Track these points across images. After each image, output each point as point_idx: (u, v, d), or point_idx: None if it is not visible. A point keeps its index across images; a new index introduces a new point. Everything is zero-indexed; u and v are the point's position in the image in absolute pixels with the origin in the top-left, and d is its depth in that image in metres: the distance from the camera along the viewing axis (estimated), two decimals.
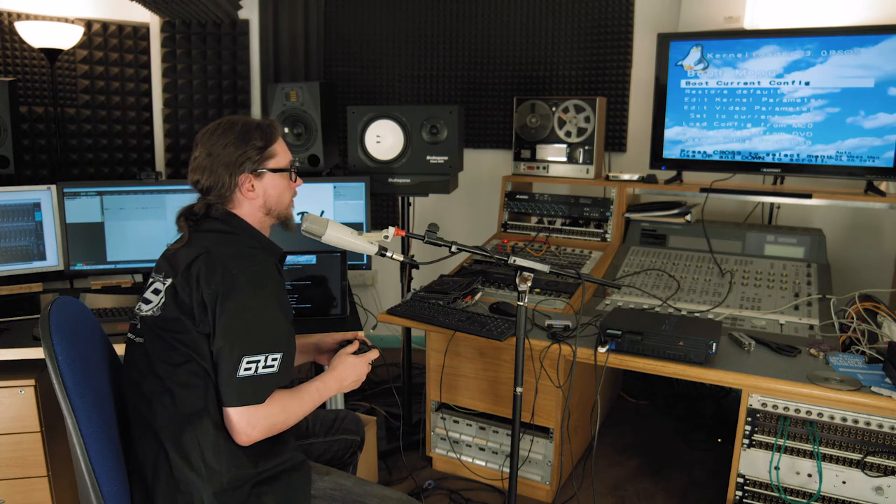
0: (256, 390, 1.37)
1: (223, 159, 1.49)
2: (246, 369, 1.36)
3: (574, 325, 2.19)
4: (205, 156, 1.51)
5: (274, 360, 1.39)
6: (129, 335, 1.50)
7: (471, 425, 2.52)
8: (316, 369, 2.38)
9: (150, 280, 1.51)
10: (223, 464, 1.38)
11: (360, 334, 1.80)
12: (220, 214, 1.53)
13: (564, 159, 3.05)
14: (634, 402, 3.23)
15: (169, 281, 1.44)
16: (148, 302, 1.46)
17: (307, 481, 1.51)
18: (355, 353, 1.67)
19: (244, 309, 1.38)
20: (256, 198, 1.55)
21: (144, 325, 1.45)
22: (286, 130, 2.77)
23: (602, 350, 2.04)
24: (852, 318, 2.13)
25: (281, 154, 1.58)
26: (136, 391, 1.42)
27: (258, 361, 1.37)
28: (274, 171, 1.56)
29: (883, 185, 2.66)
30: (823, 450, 1.88)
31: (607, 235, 2.94)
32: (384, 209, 3.85)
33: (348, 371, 1.63)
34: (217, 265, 1.40)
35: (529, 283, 1.76)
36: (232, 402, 1.36)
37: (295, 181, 1.63)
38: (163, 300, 1.43)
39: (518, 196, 3.13)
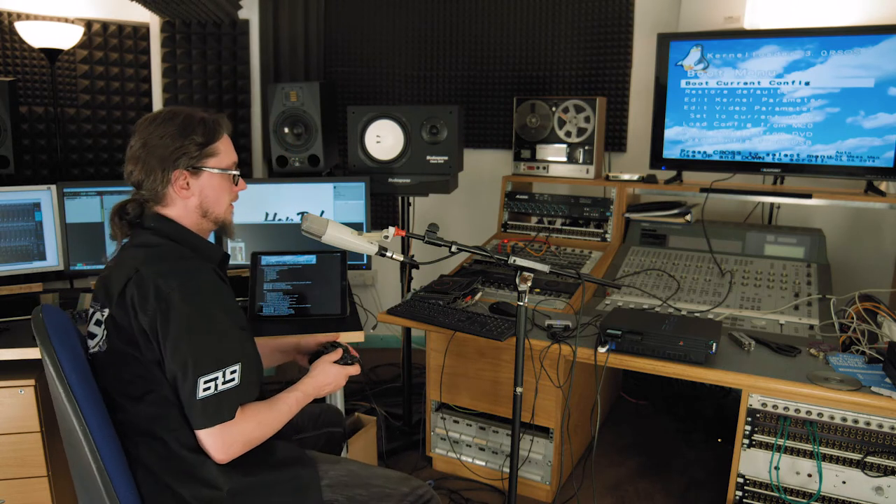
0: (221, 408, 1.31)
1: (158, 151, 1.40)
2: (205, 390, 1.29)
3: (574, 325, 2.19)
4: (140, 146, 1.42)
5: (233, 372, 1.33)
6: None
7: (471, 425, 2.52)
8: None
9: (91, 310, 1.44)
10: (212, 487, 1.35)
11: (344, 340, 1.73)
12: (151, 221, 1.44)
13: (564, 159, 3.05)
14: (634, 402, 3.23)
15: (106, 311, 1.37)
16: (93, 336, 1.40)
17: (316, 482, 1.51)
18: (337, 361, 1.62)
19: (186, 328, 1.30)
20: (190, 197, 1.45)
21: (97, 361, 1.39)
22: (286, 130, 2.77)
23: (602, 350, 2.04)
24: (852, 318, 2.13)
25: (224, 153, 1.49)
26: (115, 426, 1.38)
27: (216, 379, 1.30)
28: (213, 170, 1.47)
29: (883, 185, 2.66)
30: (823, 450, 1.88)
31: (607, 235, 2.94)
32: (384, 209, 3.85)
33: (328, 379, 1.58)
34: (148, 286, 1.31)
35: (529, 283, 1.76)
36: (200, 426, 1.30)
37: (237, 184, 1.54)
38: (105, 333, 1.37)
39: (518, 196, 3.13)
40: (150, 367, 1.32)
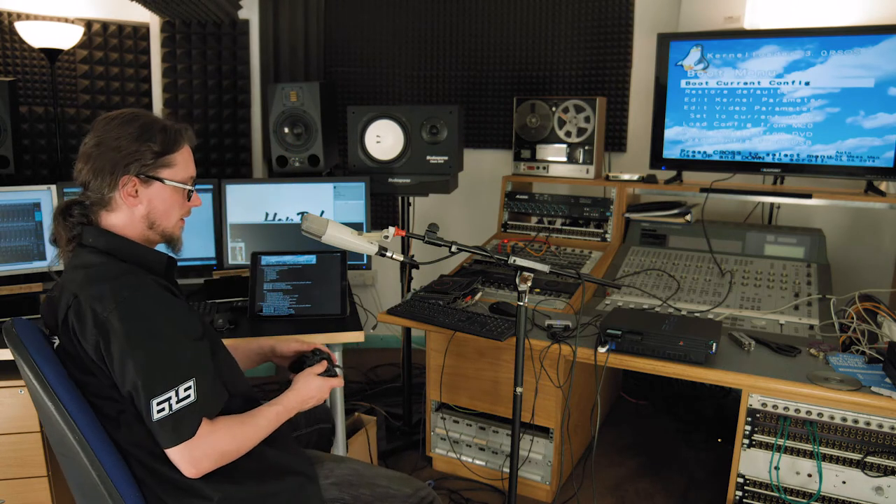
0: (178, 427, 1.26)
1: (110, 153, 1.34)
2: (159, 411, 1.24)
3: (574, 325, 2.19)
4: (93, 144, 1.35)
5: (187, 389, 1.27)
6: None
7: (471, 425, 2.52)
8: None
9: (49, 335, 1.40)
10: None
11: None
12: (90, 237, 1.38)
13: (564, 159, 3.05)
14: (634, 402, 3.23)
15: (56, 340, 1.34)
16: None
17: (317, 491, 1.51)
18: (321, 373, 1.58)
19: (129, 351, 1.24)
20: (137, 205, 1.38)
21: None
22: (286, 130, 2.77)
23: (602, 350, 2.04)
24: (852, 318, 2.13)
25: (181, 165, 1.42)
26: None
27: (169, 399, 1.25)
28: (166, 182, 1.40)
29: (883, 185, 2.66)
30: (823, 450, 1.88)
31: (607, 235, 2.94)
32: (384, 209, 3.85)
33: (312, 392, 1.53)
34: (86, 313, 1.26)
35: (529, 283, 1.76)
36: (164, 445, 1.27)
37: (191, 200, 1.47)
38: (61, 361, 1.34)
39: (518, 196, 3.13)
40: (111, 391, 1.29)
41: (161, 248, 1.49)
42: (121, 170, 1.35)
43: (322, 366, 1.60)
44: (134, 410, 1.29)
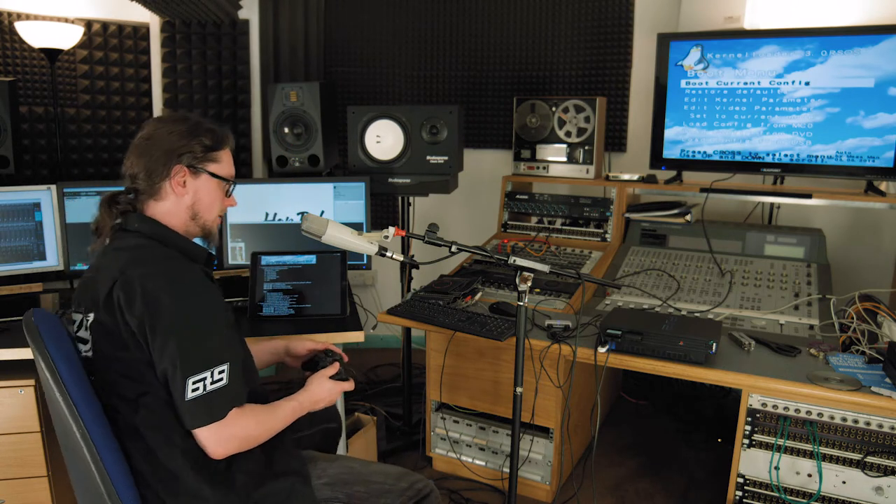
0: (211, 409, 1.31)
1: (164, 145, 1.43)
2: (194, 390, 1.29)
3: (574, 325, 2.19)
4: (145, 138, 1.44)
5: (221, 372, 1.33)
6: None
7: (471, 425, 2.52)
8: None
9: (77, 316, 1.43)
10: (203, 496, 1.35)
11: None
12: (135, 223, 1.44)
13: (564, 159, 3.05)
14: (634, 402, 3.23)
15: (91, 316, 1.37)
16: (84, 342, 1.40)
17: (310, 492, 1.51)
18: (333, 376, 1.61)
19: (174, 329, 1.30)
20: (185, 195, 1.46)
21: (88, 366, 1.39)
22: (286, 130, 2.77)
23: (602, 350, 2.04)
24: (852, 318, 2.13)
25: (225, 163, 1.52)
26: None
27: (204, 379, 1.30)
28: (213, 175, 1.49)
29: (883, 185, 2.66)
30: (823, 450, 1.88)
31: (607, 235, 2.94)
32: (384, 209, 3.85)
33: (323, 394, 1.58)
34: (135, 288, 1.30)
35: (529, 283, 1.76)
36: (192, 425, 1.31)
37: (229, 196, 1.56)
38: (93, 338, 1.37)
39: (518, 196, 3.13)
40: (142, 369, 1.32)
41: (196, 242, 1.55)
42: (174, 159, 1.43)
43: (334, 368, 1.63)
44: (160, 392, 1.32)
